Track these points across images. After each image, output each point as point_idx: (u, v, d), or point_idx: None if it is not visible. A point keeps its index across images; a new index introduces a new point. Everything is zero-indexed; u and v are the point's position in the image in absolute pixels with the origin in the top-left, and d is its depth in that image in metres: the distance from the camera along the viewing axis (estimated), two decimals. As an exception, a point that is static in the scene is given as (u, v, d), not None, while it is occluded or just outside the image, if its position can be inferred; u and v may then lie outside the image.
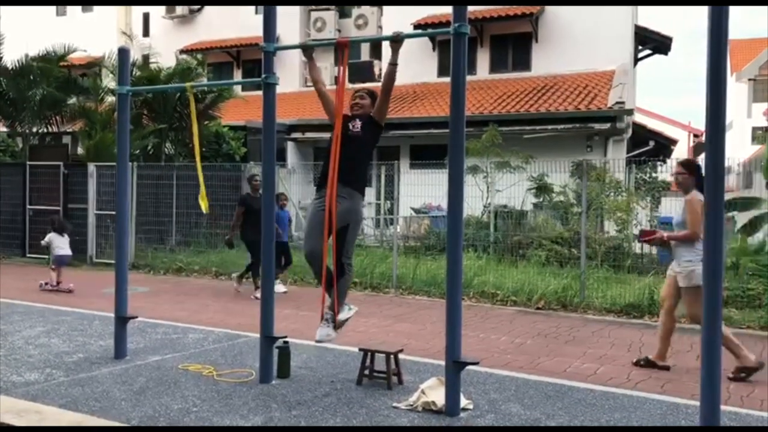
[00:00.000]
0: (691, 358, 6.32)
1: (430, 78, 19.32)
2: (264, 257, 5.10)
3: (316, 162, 16.13)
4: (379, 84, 5.00)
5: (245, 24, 21.43)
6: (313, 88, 5.57)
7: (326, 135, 5.78)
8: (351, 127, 4.90)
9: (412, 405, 4.41)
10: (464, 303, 6.76)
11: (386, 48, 15.62)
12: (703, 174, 5.97)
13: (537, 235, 11.62)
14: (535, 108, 15.91)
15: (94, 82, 17.12)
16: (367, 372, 4.98)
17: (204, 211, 5.52)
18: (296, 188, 16.14)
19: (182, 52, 21.14)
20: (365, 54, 20.36)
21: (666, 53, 20.53)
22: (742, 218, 11.88)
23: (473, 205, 12.50)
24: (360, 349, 5.14)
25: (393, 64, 4.71)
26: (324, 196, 4.73)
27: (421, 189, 12.76)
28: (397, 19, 18.51)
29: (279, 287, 9.45)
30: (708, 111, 3.46)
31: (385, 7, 20.28)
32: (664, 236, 5.94)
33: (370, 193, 12.72)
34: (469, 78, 5.16)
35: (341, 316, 4.84)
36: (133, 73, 15.47)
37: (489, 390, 4.88)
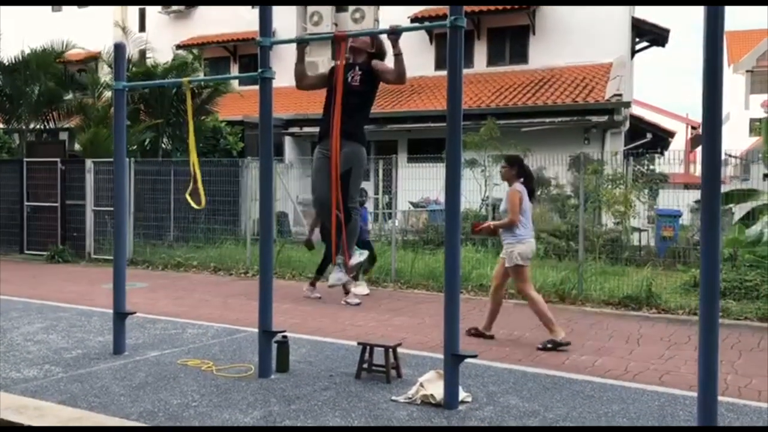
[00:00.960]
0: (688, 349, 6.34)
1: (427, 71, 19.26)
2: (263, 255, 5.09)
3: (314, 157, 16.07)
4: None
5: (242, 18, 21.35)
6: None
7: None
8: (350, 78, 4.93)
9: (410, 398, 4.42)
10: (462, 296, 6.75)
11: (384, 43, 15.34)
12: (525, 168, 6.68)
13: (535, 228, 11.61)
14: (532, 101, 15.90)
15: (92, 78, 17.06)
16: (365, 366, 4.99)
17: (195, 207, 5.38)
18: (294, 183, 16.13)
19: (179, 47, 21.06)
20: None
21: (663, 45, 20.48)
22: (739, 210, 11.90)
23: (471, 198, 12.51)
24: (359, 343, 5.15)
25: (398, 54, 4.71)
26: (326, 146, 4.86)
27: (419, 183, 12.74)
28: (393, 13, 18.45)
29: (363, 289, 9.21)
30: (705, 104, 3.47)
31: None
32: (491, 225, 6.74)
33: (368, 188, 12.70)
34: (466, 71, 5.16)
35: (352, 261, 5.05)
36: (130, 68, 15.43)
37: (487, 383, 4.90)
